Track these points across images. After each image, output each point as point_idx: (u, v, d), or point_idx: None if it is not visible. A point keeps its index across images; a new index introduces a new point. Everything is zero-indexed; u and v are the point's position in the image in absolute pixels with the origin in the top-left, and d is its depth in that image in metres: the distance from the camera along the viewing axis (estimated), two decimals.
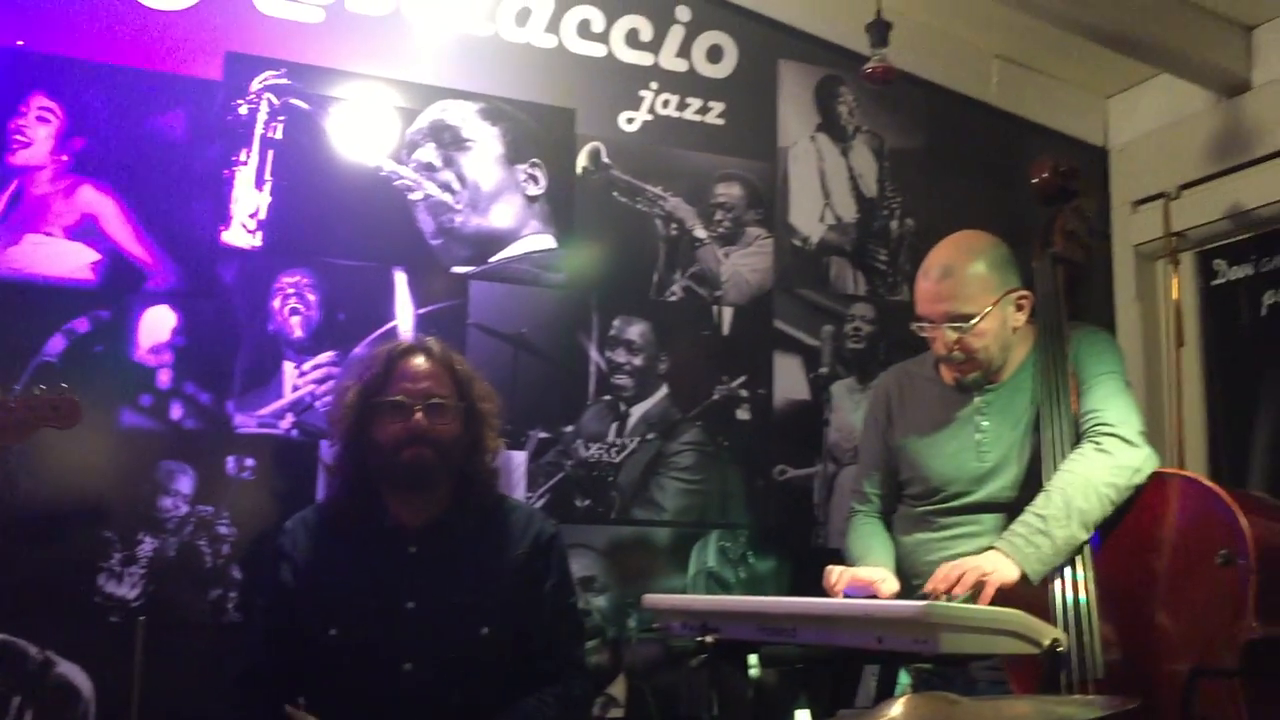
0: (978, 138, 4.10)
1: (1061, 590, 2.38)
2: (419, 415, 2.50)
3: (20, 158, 3.01)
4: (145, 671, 2.65)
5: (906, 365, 2.89)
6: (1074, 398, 2.55)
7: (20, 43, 3.04)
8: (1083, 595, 2.36)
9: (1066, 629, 2.31)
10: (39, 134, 3.04)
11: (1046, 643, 1.94)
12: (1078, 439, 2.51)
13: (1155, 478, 2.45)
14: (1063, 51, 3.92)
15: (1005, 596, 2.31)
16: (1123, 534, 2.42)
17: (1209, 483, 2.38)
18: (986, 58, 4.08)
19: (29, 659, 2.83)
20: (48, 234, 3.02)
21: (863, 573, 2.54)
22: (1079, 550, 2.39)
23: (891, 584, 2.52)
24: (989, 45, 4.06)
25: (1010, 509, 2.54)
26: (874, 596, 2.47)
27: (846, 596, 2.49)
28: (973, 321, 2.57)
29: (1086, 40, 3.63)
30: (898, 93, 3.80)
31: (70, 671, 2.86)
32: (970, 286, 2.58)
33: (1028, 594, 2.33)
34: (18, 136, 3.01)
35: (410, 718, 2.43)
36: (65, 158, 3.05)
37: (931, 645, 1.82)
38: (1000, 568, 2.34)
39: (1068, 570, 2.39)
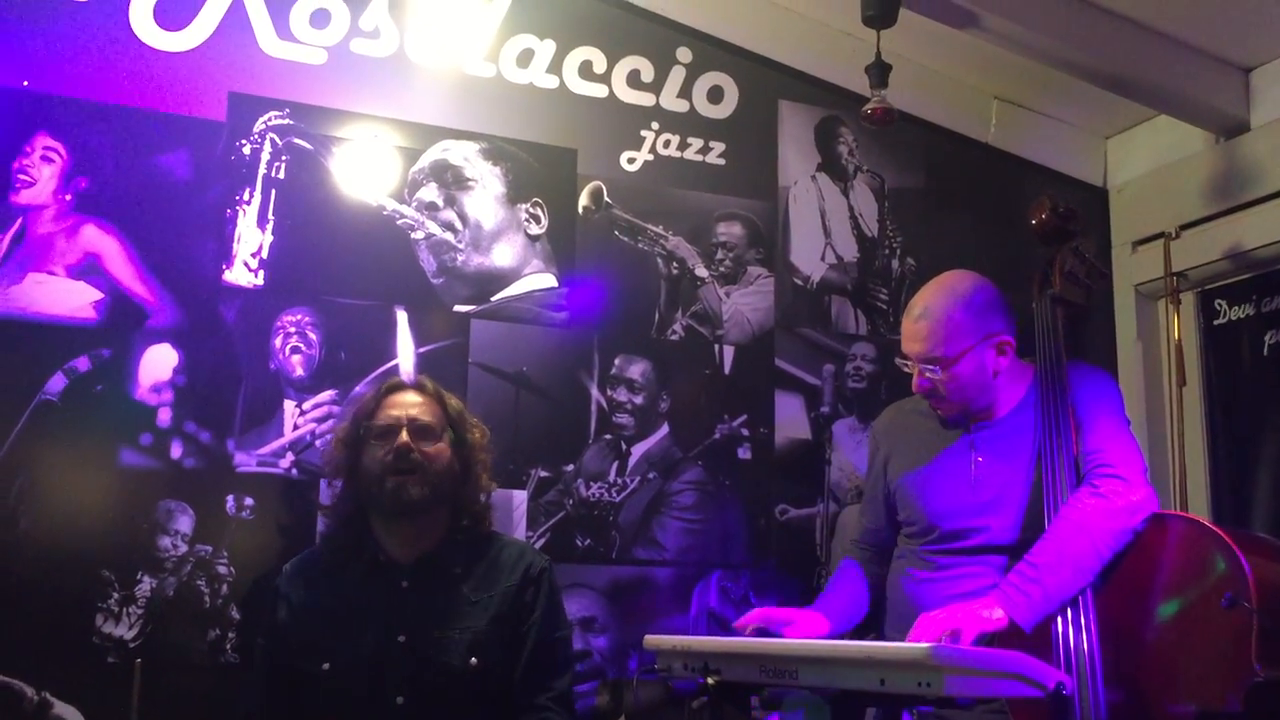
0: (977, 178, 4.12)
1: (1064, 632, 2.36)
2: (404, 436, 2.52)
3: (24, 197, 3.03)
4: (142, 713, 2.61)
5: (902, 403, 2.89)
6: (1075, 437, 2.55)
7: (25, 83, 3.07)
8: (1085, 637, 2.35)
9: (1069, 671, 2.30)
10: (43, 173, 3.05)
11: (1051, 685, 1.93)
12: (1079, 479, 2.50)
13: (1157, 519, 2.44)
14: (1062, 93, 3.95)
15: (1006, 639, 2.30)
16: (1125, 576, 2.40)
17: (1211, 524, 2.37)
18: (986, 99, 4.11)
19: (25, 700, 2.81)
20: (50, 273, 3.03)
21: (777, 613, 2.57)
22: (1079, 595, 2.38)
23: (801, 629, 2.53)
24: (988, 87, 4.08)
25: (1013, 551, 2.52)
26: (767, 634, 2.50)
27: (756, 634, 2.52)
28: (945, 364, 2.57)
29: (1085, 82, 3.66)
30: (898, 133, 3.83)
31: (67, 713, 2.84)
32: (945, 329, 2.57)
33: (1030, 636, 2.31)
34: (22, 176, 3.03)
35: None
36: (69, 197, 3.07)
37: (935, 688, 1.80)
38: (978, 616, 2.31)
39: (1070, 612, 2.37)
